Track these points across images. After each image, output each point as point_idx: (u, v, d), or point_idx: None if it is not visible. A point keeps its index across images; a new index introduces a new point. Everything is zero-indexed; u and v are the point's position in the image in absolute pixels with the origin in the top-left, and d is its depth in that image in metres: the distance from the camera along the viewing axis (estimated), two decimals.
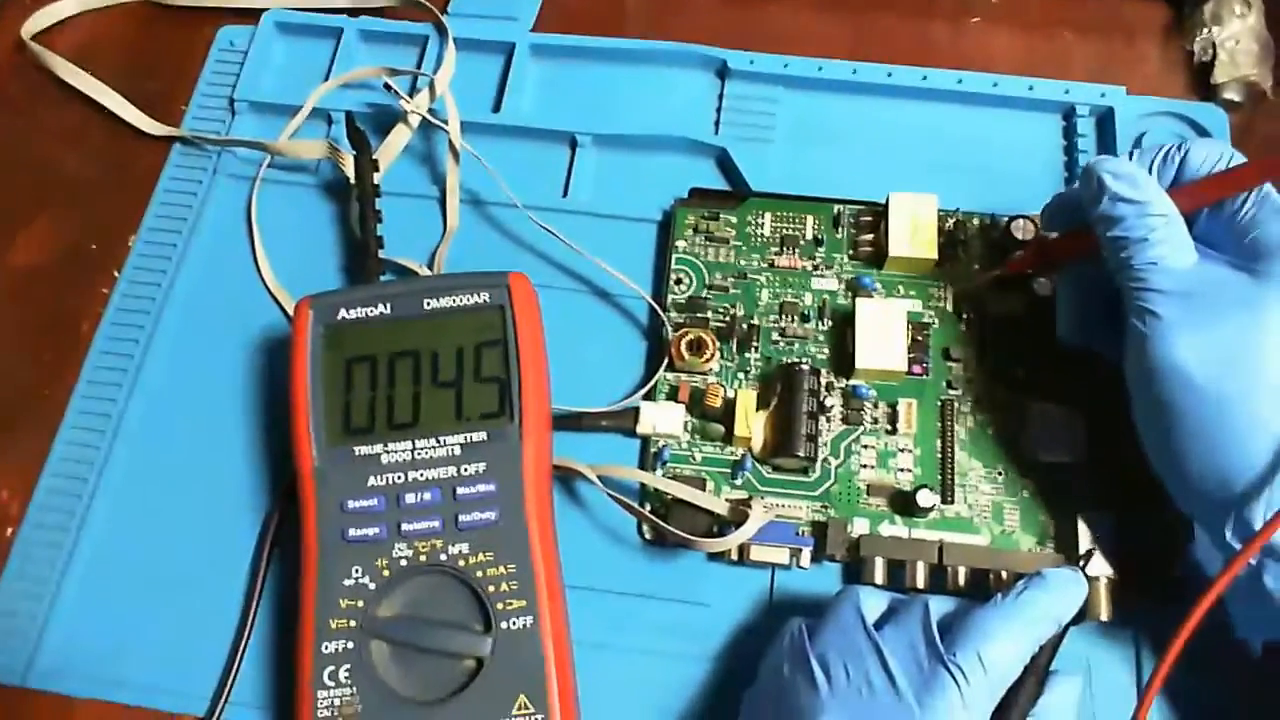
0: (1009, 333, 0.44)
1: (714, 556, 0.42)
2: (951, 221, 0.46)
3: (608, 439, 0.44)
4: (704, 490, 0.42)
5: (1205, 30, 0.52)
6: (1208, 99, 0.51)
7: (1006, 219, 0.46)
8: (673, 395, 0.44)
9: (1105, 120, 0.50)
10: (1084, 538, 0.40)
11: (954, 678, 0.32)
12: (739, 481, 0.43)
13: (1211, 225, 0.37)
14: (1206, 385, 0.34)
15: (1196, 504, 0.36)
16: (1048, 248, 0.43)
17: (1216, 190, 0.36)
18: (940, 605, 0.35)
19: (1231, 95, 0.51)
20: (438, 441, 0.39)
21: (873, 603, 0.35)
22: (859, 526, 0.41)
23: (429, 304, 0.41)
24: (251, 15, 0.55)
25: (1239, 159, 0.36)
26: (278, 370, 0.46)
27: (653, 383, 0.44)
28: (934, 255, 0.45)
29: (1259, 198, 0.35)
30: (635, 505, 0.41)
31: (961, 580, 0.40)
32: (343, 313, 0.41)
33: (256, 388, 0.46)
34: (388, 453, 0.39)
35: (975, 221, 0.47)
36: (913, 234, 0.45)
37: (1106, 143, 0.49)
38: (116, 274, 0.49)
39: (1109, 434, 0.42)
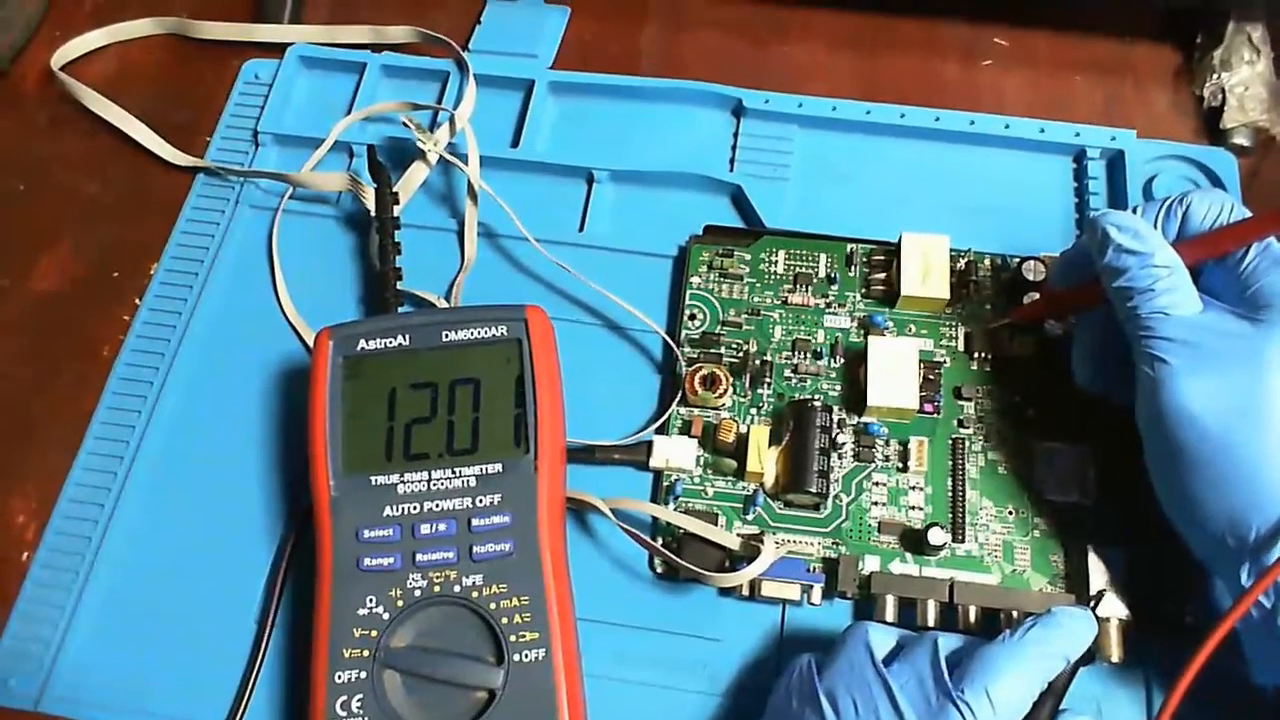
0: (1020, 372, 0.45)
1: (725, 591, 0.42)
2: (963, 262, 0.47)
3: (621, 472, 0.45)
4: (716, 525, 0.42)
5: (1215, 75, 0.53)
6: (1216, 143, 0.52)
7: (1018, 260, 0.46)
8: (686, 430, 0.45)
9: (1116, 163, 0.50)
10: (1095, 578, 0.40)
11: (962, 714, 0.32)
12: (751, 517, 0.43)
13: (1215, 276, 0.38)
14: (1215, 430, 0.34)
15: (1210, 549, 0.36)
16: (1057, 298, 0.43)
17: (1220, 243, 0.37)
18: (949, 642, 0.35)
19: (1241, 140, 0.52)
20: (453, 473, 0.39)
21: (881, 639, 0.35)
22: (870, 564, 0.42)
23: (447, 336, 0.41)
24: (276, 49, 0.57)
25: (1240, 211, 0.37)
26: (296, 399, 0.46)
27: (666, 417, 0.45)
28: (946, 295, 0.45)
29: (1261, 250, 0.36)
30: (647, 539, 0.42)
31: (972, 619, 0.40)
32: (362, 344, 0.41)
33: (274, 416, 0.47)
34: (404, 483, 0.39)
35: (987, 262, 0.47)
36: (924, 274, 0.46)
37: (1117, 185, 0.50)
38: (138, 301, 0.50)
39: (1119, 474, 0.42)
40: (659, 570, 0.43)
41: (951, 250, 0.46)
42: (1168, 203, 0.39)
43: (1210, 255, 0.37)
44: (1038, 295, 0.45)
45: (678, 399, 0.45)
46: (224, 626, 0.42)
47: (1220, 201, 0.38)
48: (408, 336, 0.41)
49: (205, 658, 0.42)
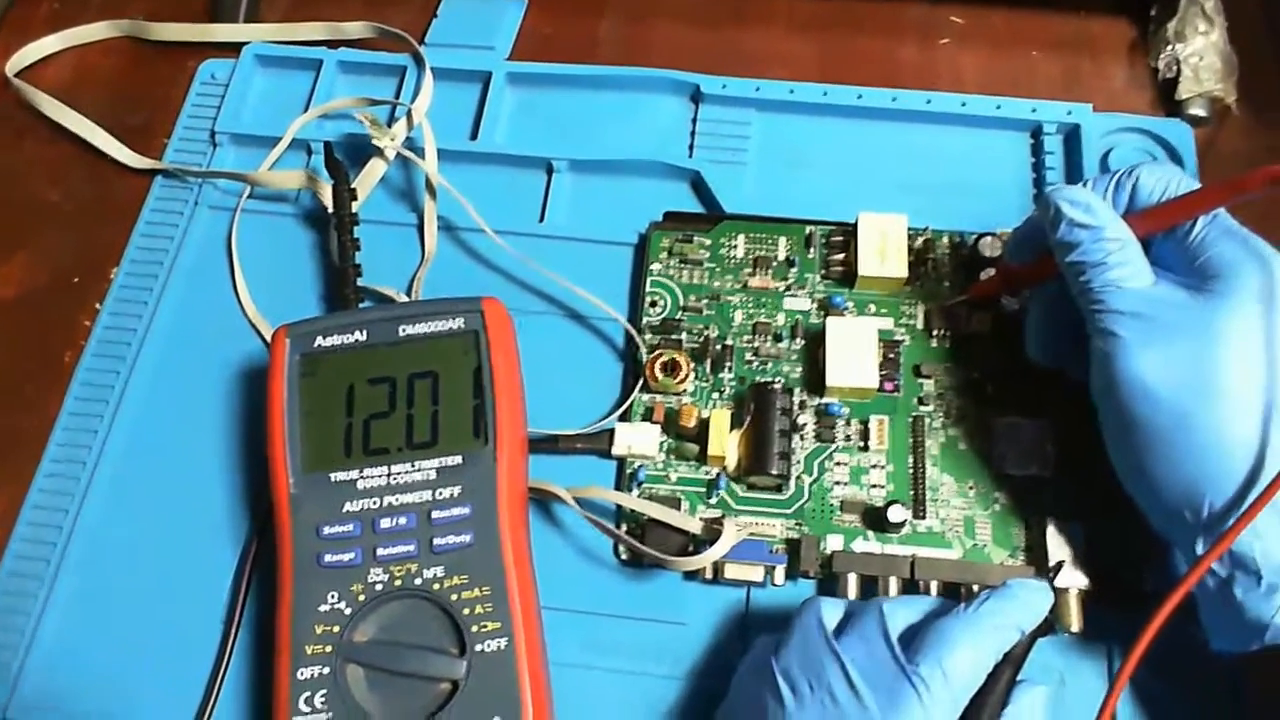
0: (978, 349, 0.45)
1: (690, 575, 0.42)
2: (921, 240, 0.47)
3: (584, 461, 0.45)
4: (679, 510, 0.42)
5: (1169, 47, 0.53)
6: (1173, 115, 0.52)
7: (975, 236, 0.46)
8: (648, 416, 0.45)
9: (1072, 137, 0.51)
10: (1054, 549, 0.40)
11: (916, 688, 0.32)
12: (714, 501, 0.43)
13: (1165, 249, 0.38)
14: (1169, 402, 0.35)
15: (1167, 519, 0.36)
16: (1012, 275, 0.43)
17: (1169, 216, 0.37)
18: (894, 607, 0.35)
19: (1196, 111, 0.52)
20: (413, 466, 0.39)
21: (832, 611, 0.36)
22: (832, 543, 0.42)
23: (404, 330, 0.41)
24: (232, 49, 0.56)
25: (1188, 183, 0.37)
26: (258, 398, 0.46)
27: (628, 404, 0.45)
28: (904, 274, 0.45)
29: (1209, 221, 0.36)
30: (610, 526, 0.42)
31: (934, 594, 0.40)
32: (319, 340, 0.41)
33: (237, 416, 0.47)
34: (363, 478, 0.39)
35: (945, 239, 0.47)
36: (882, 253, 0.46)
37: (1074, 159, 0.50)
38: (98, 306, 0.50)
39: (1077, 447, 0.42)
40: (624, 557, 0.43)
41: (909, 229, 0.46)
42: (1116, 176, 0.39)
43: (1160, 228, 0.37)
44: (994, 271, 0.45)
45: (639, 386, 0.45)
46: (190, 627, 0.42)
47: (1168, 174, 0.38)
48: (364, 332, 0.41)
49: (172, 660, 0.42)
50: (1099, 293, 0.37)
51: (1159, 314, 0.36)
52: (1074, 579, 0.39)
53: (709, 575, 0.41)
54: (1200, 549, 0.35)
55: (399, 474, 0.39)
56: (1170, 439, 0.35)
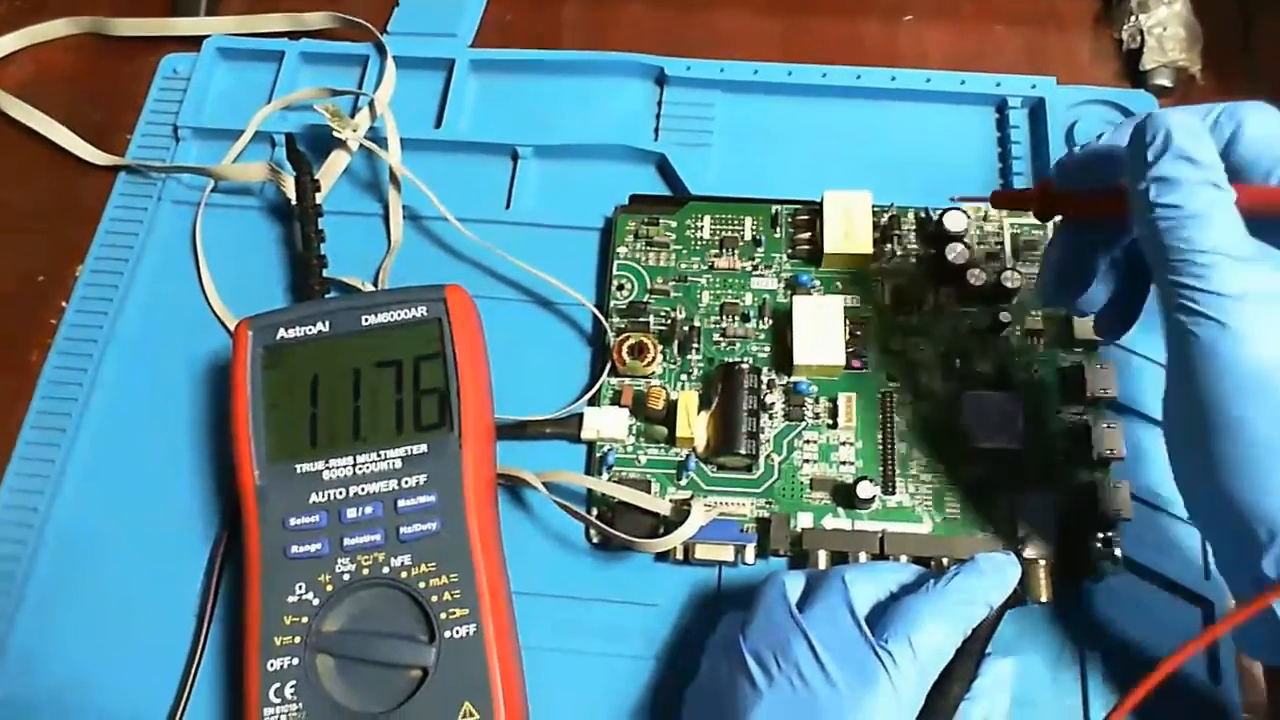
0: (945, 323, 0.45)
1: (661, 557, 0.42)
2: (886, 217, 0.47)
3: (554, 446, 0.45)
4: (649, 492, 0.42)
5: (1133, 18, 0.53)
6: (1138, 86, 0.52)
7: (940, 211, 0.46)
8: (616, 400, 0.45)
9: (1037, 111, 0.51)
10: (1024, 520, 0.40)
11: (884, 664, 0.32)
12: (684, 482, 0.43)
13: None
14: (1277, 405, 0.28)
15: (1229, 529, 0.30)
16: (1053, 199, 0.37)
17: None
18: (856, 576, 0.35)
19: (1161, 81, 0.52)
20: (379, 455, 0.39)
21: (795, 583, 0.36)
22: (803, 521, 0.42)
23: (367, 320, 0.41)
24: (194, 43, 0.56)
25: None
26: (226, 392, 0.46)
27: (596, 388, 0.45)
28: (869, 250, 0.45)
29: None
30: (580, 510, 0.42)
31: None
32: (282, 332, 0.41)
33: (205, 411, 0.47)
34: (329, 469, 0.39)
35: (910, 215, 0.47)
36: (847, 231, 0.46)
37: (1039, 132, 0.50)
38: (64, 304, 0.50)
39: (1045, 418, 0.42)
40: (594, 540, 0.43)
41: (874, 206, 0.46)
42: (1215, 114, 0.31)
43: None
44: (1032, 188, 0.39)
45: (607, 370, 0.45)
46: (163, 622, 0.42)
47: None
48: (327, 323, 0.41)
49: (146, 654, 0.42)
50: (1198, 262, 0.29)
51: (1271, 293, 0.29)
52: (1043, 550, 0.39)
53: (680, 556, 0.41)
54: (1271, 569, 0.29)
55: (364, 464, 0.39)
56: (1269, 448, 0.29)
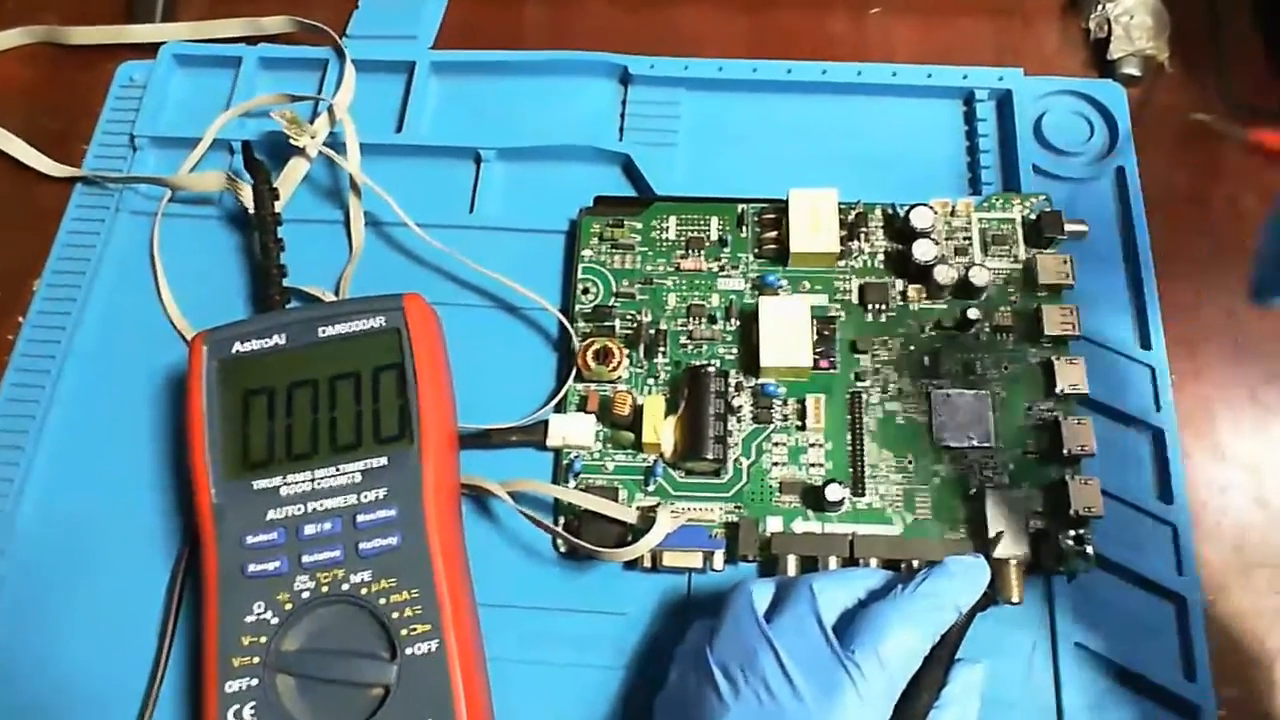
0: (913, 320, 0.44)
1: (629, 565, 0.42)
2: (853, 214, 0.46)
3: (521, 454, 0.44)
4: (616, 499, 0.42)
5: (1100, 6, 0.52)
6: (1106, 75, 0.52)
7: (907, 208, 0.46)
8: (583, 406, 0.44)
9: (1005, 103, 0.50)
10: (994, 520, 0.40)
11: (850, 675, 0.32)
12: (651, 488, 0.42)
13: None
14: None
15: None
16: None
17: None
18: (825, 585, 0.34)
19: (1130, 70, 0.51)
20: (337, 470, 0.38)
21: (763, 592, 0.35)
22: (773, 525, 0.41)
23: (324, 331, 0.40)
24: (150, 50, 0.55)
25: None
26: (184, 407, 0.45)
27: (561, 394, 0.44)
28: (836, 249, 0.45)
29: None
30: (545, 520, 0.41)
31: (874, 565, 0.40)
32: (237, 346, 0.40)
33: (166, 425, 0.46)
34: (287, 485, 0.38)
35: (878, 211, 0.47)
36: (813, 229, 0.45)
37: (1007, 124, 0.50)
38: (20, 319, 0.49)
39: (1015, 415, 0.42)
40: (562, 549, 0.42)
41: (841, 203, 0.46)
42: None
43: None
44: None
45: (573, 375, 0.44)
46: (125, 642, 0.42)
47: None
48: (283, 335, 0.40)
49: (107, 676, 0.41)
50: None
51: None
52: (1014, 549, 0.39)
53: (648, 564, 0.41)
54: None
55: (323, 478, 0.38)
56: None
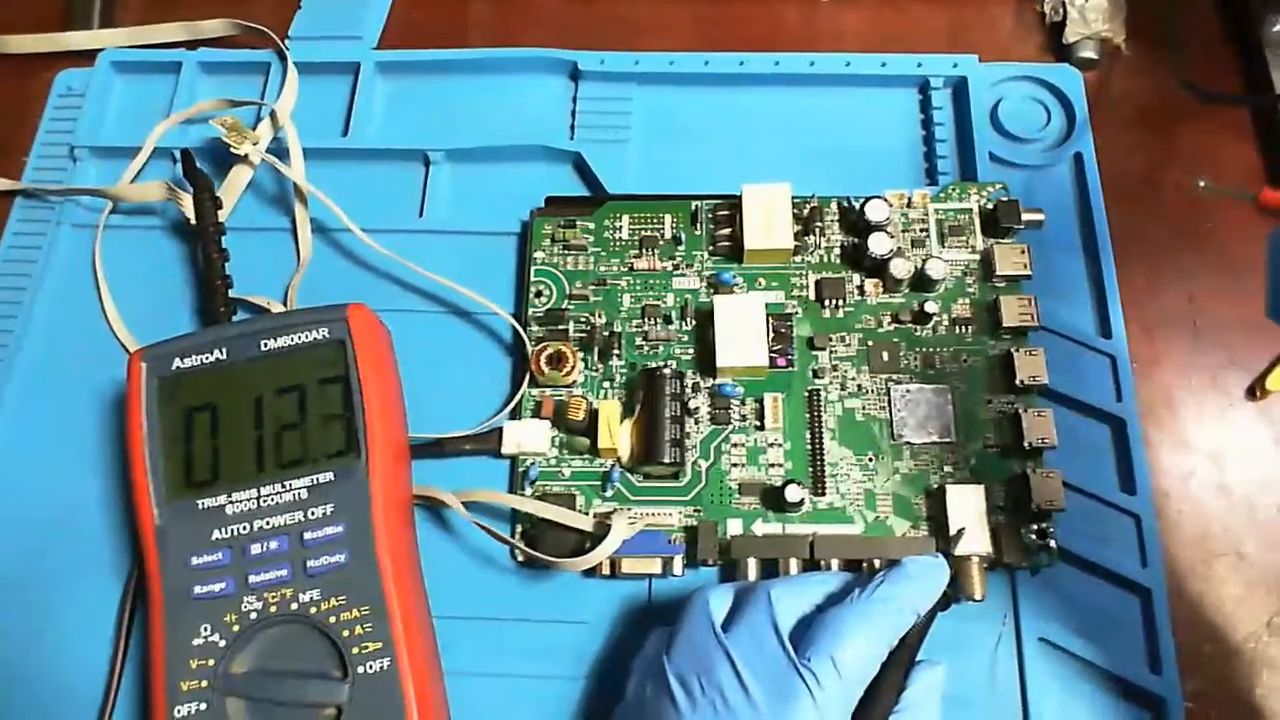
0: (872, 315, 0.44)
1: (589, 573, 0.41)
2: (808, 208, 0.46)
3: (477, 462, 0.43)
4: (573, 506, 0.41)
5: None
6: (1063, 59, 0.51)
7: (862, 200, 0.45)
8: (537, 412, 0.43)
9: (960, 90, 0.49)
10: (955, 516, 0.39)
11: (806, 683, 0.31)
12: (609, 494, 0.42)
13: None
14: None
15: None
16: None
17: None
18: (782, 592, 0.34)
19: (1086, 53, 0.51)
20: (283, 486, 0.37)
21: (720, 600, 0.35)
22: (733, 527, 0.41)
23: (266, 345, 0.39)
24: (89, 57, 0.54)
25: None
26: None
27: (515, 401, 0.43)
28: (790, 244, 0.44)
29: None
30: (499, 531, 0.40)
31: (835, 568, 0.39)
32: (177, 362, 0.39)
33: (112, 443, 0.45)
34: (232, 503, 0.37)
35: (833, 205, 0.46)
36: (767, 225, 0.44)
37: (963, 112, 0.49)
38: None
39: (975, 409, 0.41)
40: (520, 559, 0.41)
41: (795, 197, 0.45)
42: None
43: None
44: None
45: (526, 381, 0.43)
46: (74, 667, 0.41)
47: None
48: (224, 350, 0.39)
49: (55, 700, 0.40)
50: None
51: None
52: (976, 545, 0.38)
53: (607, 571, 0.40)
54: None
55: (268, 496, 0.37)
56: None
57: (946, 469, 0.41)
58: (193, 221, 0.46)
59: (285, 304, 0.47)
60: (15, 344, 0.47)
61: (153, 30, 0.54)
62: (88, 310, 0.48)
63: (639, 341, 0.44)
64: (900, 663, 0.33)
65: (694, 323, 0.45)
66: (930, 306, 0.43)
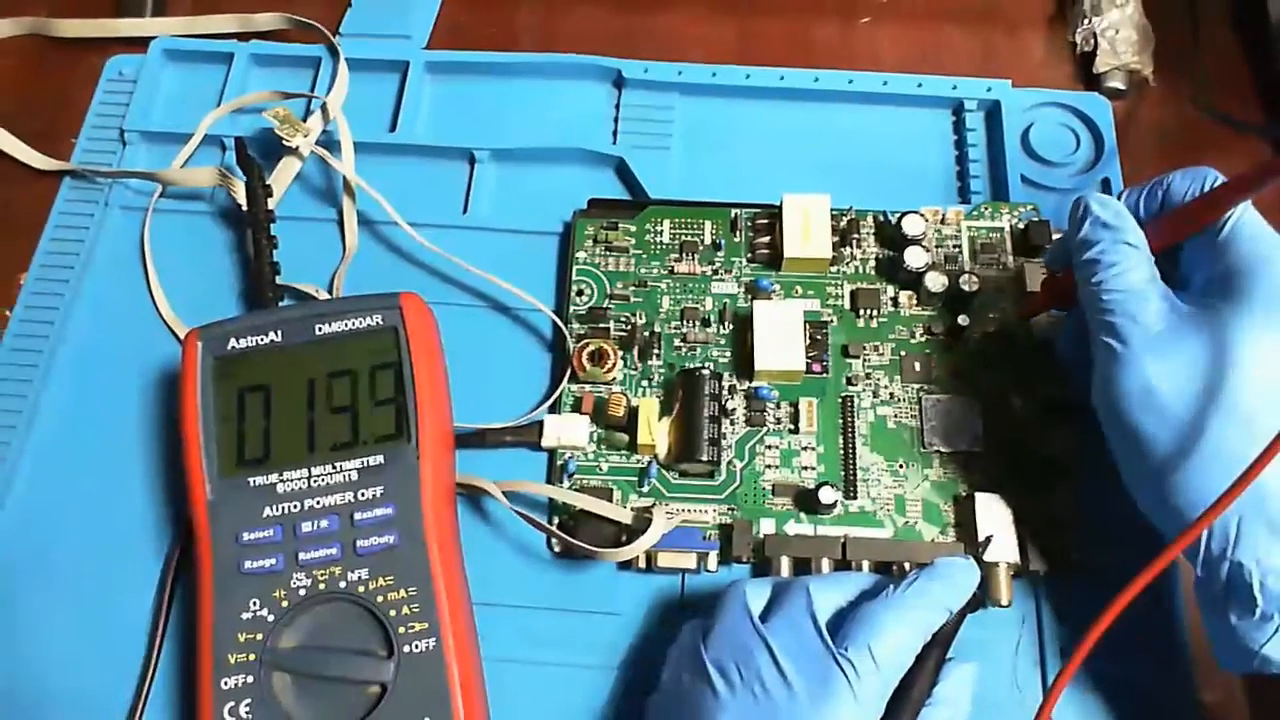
0: (905, 326, 0.45)
1: (624, 565, 0.42)
2: (845, 220, 0.47)
3: (515, 454, 0.44)
4: (610, 500, 0.42)
5: (1086, 20, 0.53)
6: (1092, 88, 0.53)
7: (898, 215, 0.46)
8: (577, 407, 0.44)
9: (993, 114, 0.51)
10: (983, 523, 0.40)
11: (845, 673, 0.32)
12: (645, 489, 0.43)
13: (1193, 256, 0.37)
14: (1176, 416, 0.34)
15: (1170, 524, 0.35)
16: (1056, 285, 0.42)
17: (1196, 213, 0.36)
18: (821, 587, 0.35)
19: (1114, 83, 0.53)
20: (334, 467, 0.38)
21: (758, 593, 0.36)
22: (765, 527, 0.42)
23: (320, 329, 0.40)
24: (140, 44, 0.55)
25: (1219, 179, 0.36)
26: (177, 403, 0.45)
27: (556, 395, 0.44)
28: (828, 254, 0.45)
29: (1232, 228, 0.35)
30: (540, 520, 0.41)
31: (866, 570, 0.40)
32: (233, 343, 0.40)
33: (157, 422, 0.46)
34: (283, 482, 0.38)
35: (870, 218, 0.47)
36: (806, 234, 0.46)
37: (995, 135, 0.50)
38: (8, 313, 0.48)
39: (1005, 421, 0.42)
40: (557, 549, 0.42)
41: (833, 209, 0.46)
42: (1149, 185, 0.38)
43: (1188, 229, 0.37)
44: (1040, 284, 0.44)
45: (567, 377, 0.45)
46: (115, 639, 0.41)
47: (1200, 175, 0.37)
48: (280, 332, 0.40)
49: (98, 674, 0.41)
50: (1109, 296, 0.35)
51: (1172, 323, 0.35)
52: (1003, 553, 0.40)
53: (642, 564, 0.41)
54: (1199, 570, 0.34)
55: (319, 476, 0.38)
56: (1177, 454, 0.34)
57: (975, 478, 0.42)
58: (244, 207, 0.47)
59: (331, 293, 0.47)
60: (61, 320, 0.48)
61: (205, 20, 0.55)
62: (134, 291, 0.49)
63: (677, 343, 0.45)
64: (932, 658, 0.34)
65: (731, 326, 0.46)
66: (962, 320, 0.44)
